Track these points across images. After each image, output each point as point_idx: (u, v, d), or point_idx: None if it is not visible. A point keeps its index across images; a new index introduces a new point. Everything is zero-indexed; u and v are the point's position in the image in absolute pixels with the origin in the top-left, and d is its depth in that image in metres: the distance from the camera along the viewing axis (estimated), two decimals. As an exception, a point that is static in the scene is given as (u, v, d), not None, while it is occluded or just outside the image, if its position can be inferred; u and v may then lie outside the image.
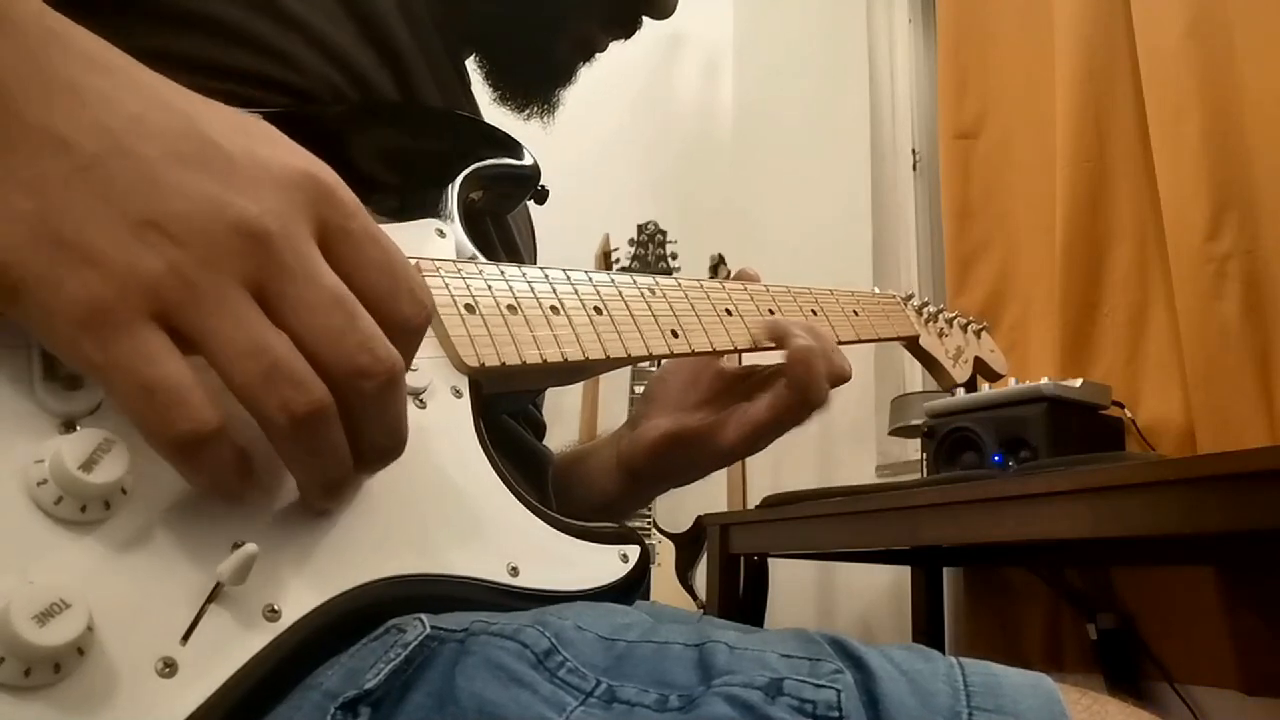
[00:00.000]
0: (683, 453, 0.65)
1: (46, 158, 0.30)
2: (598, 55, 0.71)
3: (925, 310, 0.84)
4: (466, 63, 0.71)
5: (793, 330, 0.61)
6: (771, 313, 0.66)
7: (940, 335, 0.85)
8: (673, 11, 0.70)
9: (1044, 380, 1.43)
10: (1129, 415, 1.59)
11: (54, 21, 0.32)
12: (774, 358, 0.65)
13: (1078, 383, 1.46)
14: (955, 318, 0.87)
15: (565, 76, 0.70)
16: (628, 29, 0.71)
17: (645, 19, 0.71)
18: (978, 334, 0.90)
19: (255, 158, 0.33)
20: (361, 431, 0.35)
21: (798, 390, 0.59)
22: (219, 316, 0.31)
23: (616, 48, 0.73)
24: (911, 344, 0.82)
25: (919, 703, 0.34)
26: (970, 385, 1.44)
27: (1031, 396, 1.41)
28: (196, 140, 0.32)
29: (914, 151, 2.47)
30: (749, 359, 0.67)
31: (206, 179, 0.32)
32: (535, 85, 0.71)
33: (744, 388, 0.66)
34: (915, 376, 2.24)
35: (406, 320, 0.35)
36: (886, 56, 2.54)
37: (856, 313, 0.74)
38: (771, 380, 0.62)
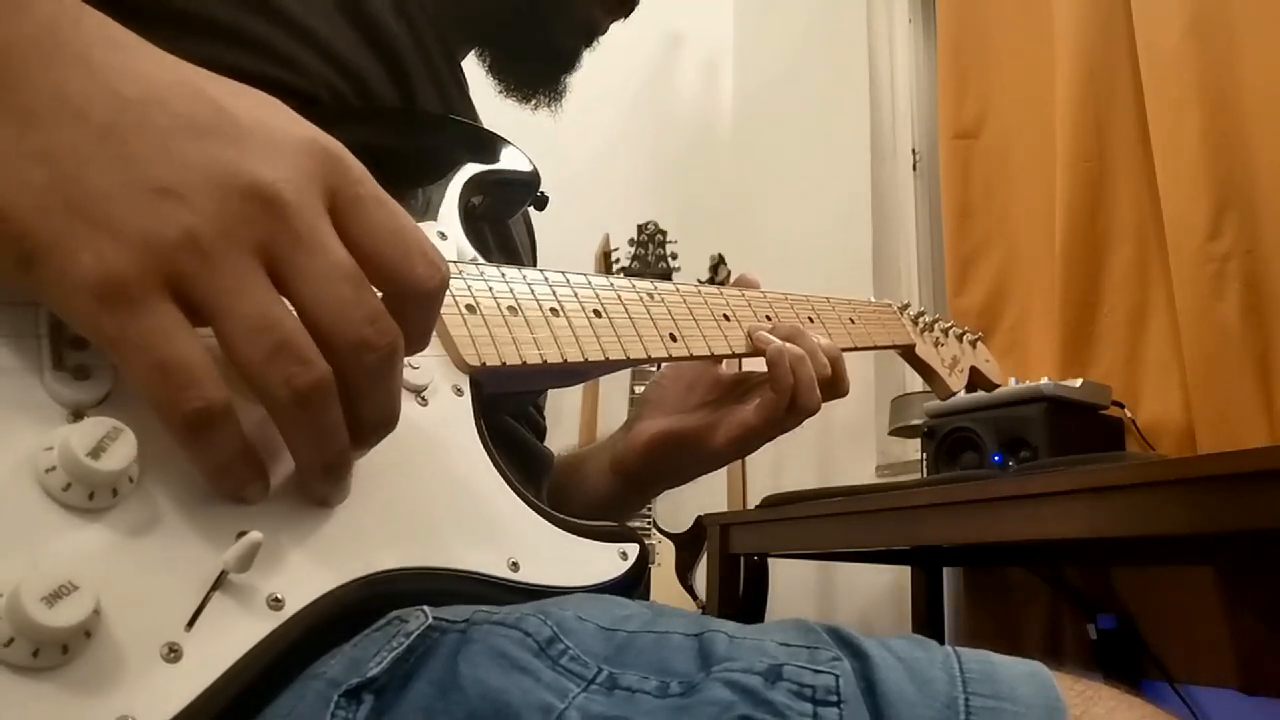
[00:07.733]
0: (674, 454, 0.67)
1: (61, 127, 0.30)
2: (599, 39, 0.71)
3: (921, 319, 0.85)
4: (464, 62, 0.71)
5: (770, 338, 0.63)
6: (769, 319, 0.67)
7: (936, 344, 0.85)
8: None
9: (1044, 380, 1.43)
10: (1129, 415, 1.59)
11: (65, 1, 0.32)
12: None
13: (1078, 383, 1.46)
14: (951, 327, 0.88)
15: (569, 63, 0.71)
16: (625, 6, 0.71)
17: None
18: (973, 344, 0.91)
19: (266, 126, 0.33)
20: (358, 406, 0.35)
21: (782, 394, 0.62)
22: (231, 288, 0.31)
23: (617, 47, 0.74)
24: (908, 353, 0.82)
25: (917, 689, 0.34)
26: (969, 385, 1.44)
27: (1031, 396, 1.41)
28: (208, 108, 0.32)
29: (914, 151, 2.47)
30: (746, 365, 0.68)
31: (220, 146, 0.32)
32: (540, 74, 0.71)
33: (738, 392, 0.67)
34: (915, 377, 2.22)
35: (422, 281, 0.35)
36: (886, 56, 2.54)
37: (853, 320, 0.75)
38: (764, 385, 0.64)
